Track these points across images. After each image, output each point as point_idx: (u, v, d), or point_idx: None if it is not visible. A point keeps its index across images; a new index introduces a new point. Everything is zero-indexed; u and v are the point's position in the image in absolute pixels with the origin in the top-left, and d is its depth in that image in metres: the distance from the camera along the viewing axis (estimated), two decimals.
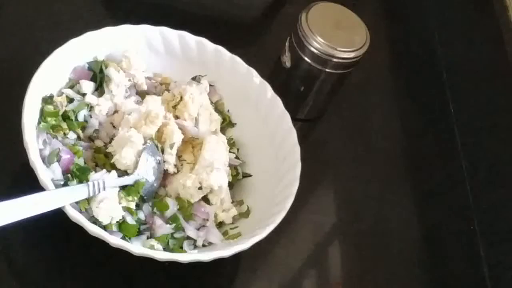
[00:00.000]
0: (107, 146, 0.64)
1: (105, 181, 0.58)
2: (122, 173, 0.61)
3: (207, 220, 0.63)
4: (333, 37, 0.71)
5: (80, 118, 0.64)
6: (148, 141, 0.62)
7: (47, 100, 0.62)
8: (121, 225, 0.59)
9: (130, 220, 0.59)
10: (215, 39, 0.71)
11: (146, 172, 0.62)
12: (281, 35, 0.77)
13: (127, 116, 0.64)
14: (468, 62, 0.93)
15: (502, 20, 0.85)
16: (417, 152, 0.86)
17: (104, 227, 0.57)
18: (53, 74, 0.63)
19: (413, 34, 0.99)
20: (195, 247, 0.62)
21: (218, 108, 0.71)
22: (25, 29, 0.75)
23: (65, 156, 0.60)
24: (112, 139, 0.64)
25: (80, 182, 0.58)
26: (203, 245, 0.62)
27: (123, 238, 0.58)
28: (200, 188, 0.62)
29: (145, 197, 0.61)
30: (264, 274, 0.67)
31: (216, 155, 0.64)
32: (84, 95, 0.65)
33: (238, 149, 0.71)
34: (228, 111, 0.72)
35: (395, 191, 0.80)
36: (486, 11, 0.89)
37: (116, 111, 0.66)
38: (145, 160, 0.61)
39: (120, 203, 0.59)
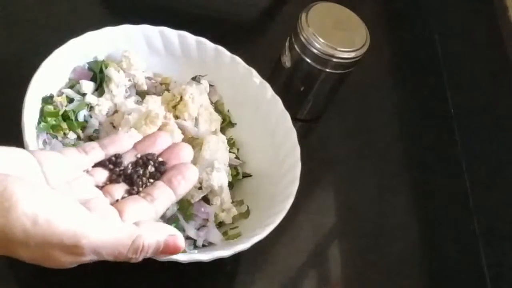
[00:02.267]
0: None
1: None
2: None
3: (207, 220, 0.63)
4: (333, 37, 0.71)
5: (80, 118, 0.64)
6: None
7: (47, 100, 0.62)
8: None
9: None
10: (215, 39, 0.71)
11: None
12: (281, 35, 0.77)
13: (127, 116, 0.64)
14: (468, 62, 0.93)
15: (502, 20, 0.85)
16: (417, 152, 0.86)
17: None
18: (53, 74, 0.63)
19: (413, 34, 0.99)
20: (195, 247, 0.62)
21: (218, 108, 0.71)
22: (25, 29, 0.75)
23: None
24: None
25: None
26: (203, 245, 0.62)
27: None
28: (200, 188, 0.62)
29: None
30: (264, 274, 0.67)
31: (216, 155, 0.64)
32: (84, 95, 0.65)
33: (238, 149, 0.71)
34: (228, 111, 0.72)
35: (395, 191, 0.80)
36: (486, 11, 0.89)
37: (116, 111, 0.66)
38: None
39: None
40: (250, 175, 0.69)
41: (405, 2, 1.03)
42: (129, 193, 0.46)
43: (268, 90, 0.70)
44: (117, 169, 0.47)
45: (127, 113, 0.65)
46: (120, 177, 0.47)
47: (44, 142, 0.60)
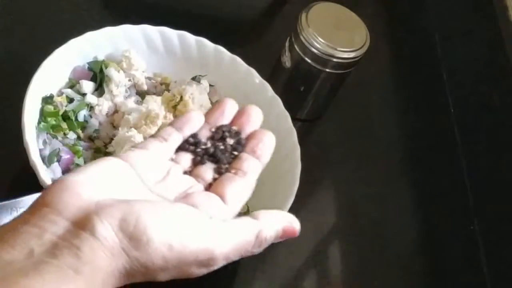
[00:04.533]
0: (107, 146, 0.64)
1: None
2: None
3: None
4: (333, 37, 0.71)
5: (80, 118, 0.64)
6: None
7: (47, 100, 0.62)
8: None
9: None
10: (215, 39, 0.71)
11: None
12: (281, 35, 0.77)
13: (127, 116, 0.64)
14: (468, 62, 0.93)
15: (502, 20, 0.85)
16: (417, 152, 0.86)
17: None
18: (53, 74, 0.63)
19: (413, 34, 0.99)
20: None
21: None
22: (25, 29, 0.75)
23: (65, 156, 0.60)
24: (112, 139, 0.64)
25: None
26: None
27: None
28: None
29: None
30: (264, 274, 0.67)
31: None
32: (84, 95, 0.65)
33: None
34: None
35: (395, 191, 0.80)
36: (486, 11, 0.89)
37: (116, 111, 0.66)
38: None
39: None
40: None
41: (405, 2, 1.03)
42: (218, 171, 0.45)
43: (268, 90, 0.70)
44: (199, 150, 0.46)
45: (127, 113, 0.65)
46: (204, 157, 0.46)
47: (44, 142, 0.60)
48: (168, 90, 0.70)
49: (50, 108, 0.62)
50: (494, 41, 0.86)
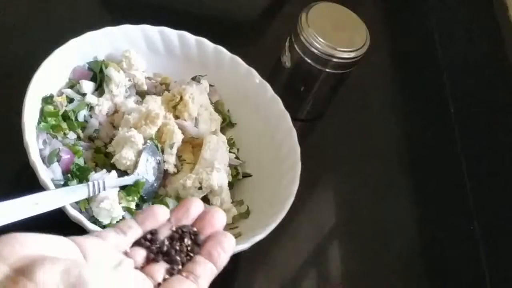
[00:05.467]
0: (107, 146, 0.64)
1: (105, 181, 0.58)
2: (122, 173, 0.61)
3: None
4: (333, 37, 0.71)
5: (80, 118, 0.64)
6: (148, 141, 0.62)
7: (47, 100, 0.62)
8: None
9: None
10: (215, 39, 0.71)
11: (146, 172, 0.62)
12: (281, 35, 0.77)
13: (127, 116, 0.64)
14: (468, 62, 0.93)
15: (502, 20, 0.85)
16: (417, 152, 0.86)
17: (104, 227, 0.57)
18: (53, 74, 0.63)
19: (413, 34, 0.99)
20: None
21: (218, 108, 0.71)
22: (25, 29, 0.75)
23: (65, 156, 0.60)
24: (112, 139, 0.64)
25: (80, 182, 0.58)
26: None
27: None
28: (200, 188, 0.62)
29: (145, 197, 0.61)
30: (264, 274, 0.67)
31: (216, 155, 0.64)
32: (84, 95, 0.65)
33: (238, 149, 0.71)
34: (228, 111, 0.72)
35: (395, 191, 0.80)
36: (486, 11, 0.89)
37: (116, 111, 0.66)
38: (145, 160, 0.61)
39: (120, 203, 0.59)
40: (250, 175, 0.69)
41: (405, 2, 1.03)
42: (170, 272, 0.44)
43: (268, 90, 0.70)
44: (154, 247, 0.45)
45: (127, 113, 0.65)
46: (158, 255, 0.44)
47: (44, 142, 0.60)
48: (168, 90, 0.70)
49: (50, 108, 0.62)
50: (494, 41, 0.86)
